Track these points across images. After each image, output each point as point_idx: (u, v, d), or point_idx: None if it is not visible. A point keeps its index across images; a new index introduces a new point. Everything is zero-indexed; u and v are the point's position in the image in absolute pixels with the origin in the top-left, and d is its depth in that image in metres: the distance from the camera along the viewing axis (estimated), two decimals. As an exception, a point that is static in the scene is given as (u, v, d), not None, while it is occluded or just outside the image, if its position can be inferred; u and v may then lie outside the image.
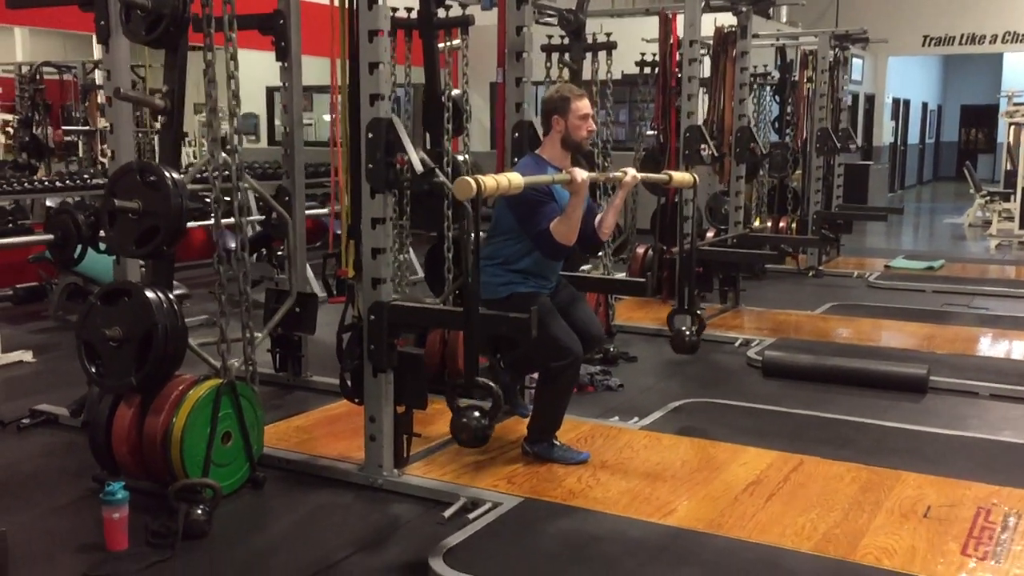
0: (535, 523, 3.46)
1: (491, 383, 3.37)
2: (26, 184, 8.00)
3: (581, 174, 3.73)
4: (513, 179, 3.41)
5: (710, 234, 8.46)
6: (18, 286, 7.30)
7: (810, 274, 9.39)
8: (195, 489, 3.51)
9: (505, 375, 4.32)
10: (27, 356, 5.92)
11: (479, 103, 7.70)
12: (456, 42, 5.09)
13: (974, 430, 4.62)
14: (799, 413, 4.86)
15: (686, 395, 5.16)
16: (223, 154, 3.92)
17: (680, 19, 6.57)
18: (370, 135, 3.65)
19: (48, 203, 8.16)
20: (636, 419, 4.69)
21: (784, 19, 18.27)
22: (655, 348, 6.29)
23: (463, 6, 5.01)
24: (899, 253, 11.00)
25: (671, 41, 6.77)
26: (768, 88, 10.59)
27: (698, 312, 4.83)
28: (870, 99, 19.10)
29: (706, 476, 3.93)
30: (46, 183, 8.24)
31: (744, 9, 7.04)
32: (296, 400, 5.08)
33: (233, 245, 8.53)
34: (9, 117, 13.35)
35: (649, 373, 5.73)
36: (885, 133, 19.97)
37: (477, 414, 3.33)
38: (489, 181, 3.27)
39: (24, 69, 13.11)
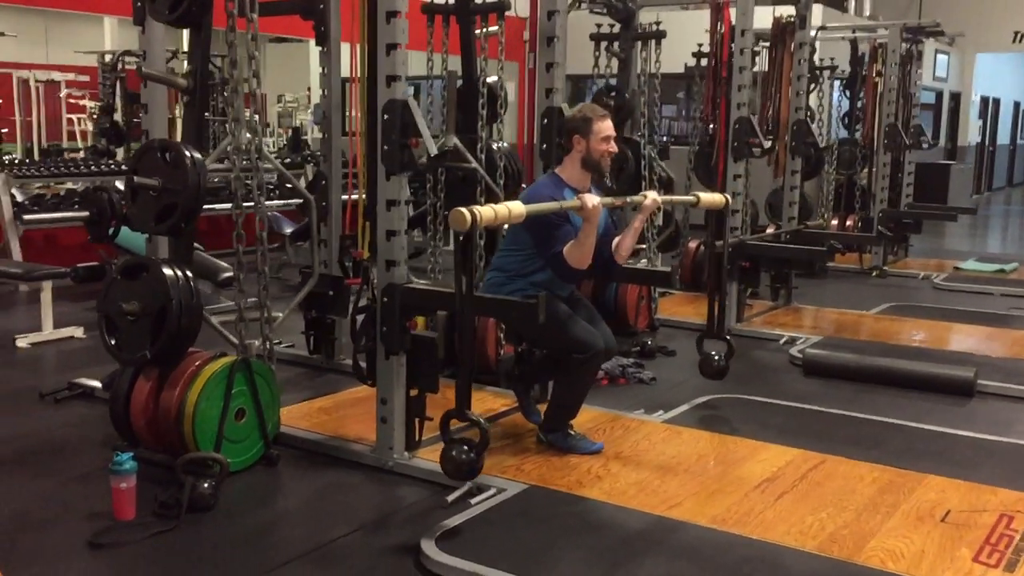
0: (535, 510, 3.42)
1: (480, 419, 3.31)
2: (92, 167, 8.24)
3: (592, 200, 3.65)
4: (514, 208, 3.34)
5: (769, 230, 8.29)
6: (79, 265, 7.51)
7: (874, 274, 9.13)
8: (204, 463, 3.56)
9: (519, 384, 4.30)
10: (78, 332, 6.10)
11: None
12: (493, 28, 5.06)
13: (1017, 436, 4.42)
14: (832, 412, 4.72)
15: (719, 391, 5.05)
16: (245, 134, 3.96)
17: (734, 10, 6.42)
18: (386, 116, 3.64)
19: (118, 185, 8.42)
20: (661, 412, 4.61)
21: (867, 12, 17.86)
22: (697, 343, 6.20)
23: (501, -8, 4.98)
24: (974, 255, 10.61)
25: (722, 31, 6.63)
26: (839, 82, 10.35)
27: (727, 337, 4.72)
28: (956, 97, 18.51)
29: (720, 471, 3.84)
30: (112, 166, 8.48)
31: (802, -1, 6.86)
32: (327, 382, 5.12)
33: (289, 230, 8.62)
34: (92, 104, 13.76)
35: (686, 368, 5.61)
36: (971, 132, 19.31)
37: (466, 447, 3.28)
38: (486, 212, 3.21)
39: (107, 58, 13.50)
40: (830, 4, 11.92)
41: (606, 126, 3.88)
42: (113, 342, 3.74)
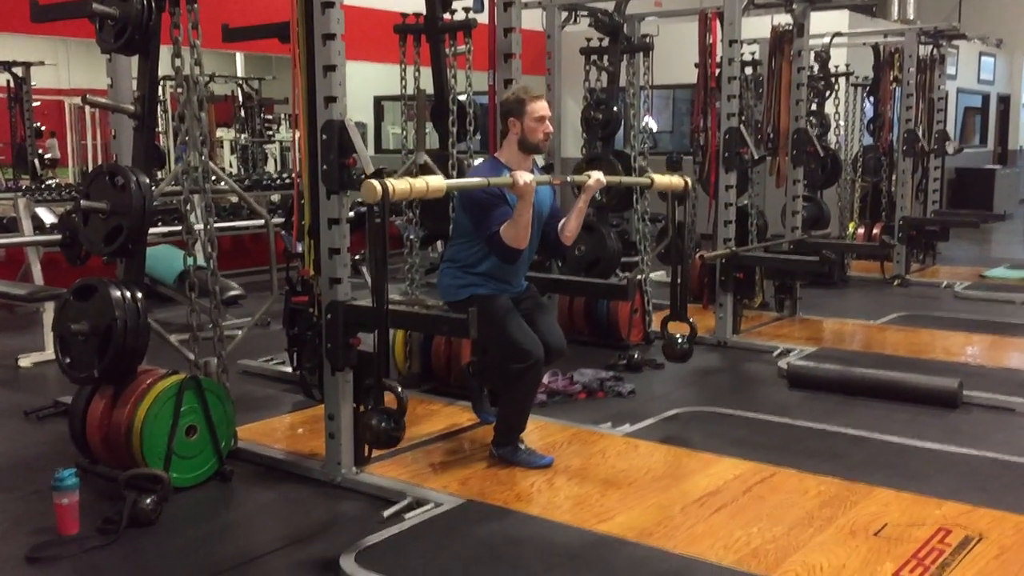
0: (464, 525, 3.43)
1: (396, 385, 3.34)
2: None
3: (523, 177, 3.66)
4: (432, 182, 3.36)
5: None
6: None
7: (895, 283, 8.93)
8: (150, 478, 3.64)
9: (473, 380, 4.31)
10: (81, 352, 6.26)
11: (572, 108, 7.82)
12: (461, 48, 5.11)
13: (986, 447, 4.29)
14: (802, 425, 4.64)
15: (695, 404, 5.01)
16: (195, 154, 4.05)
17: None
18: (324, 137, 3.71)
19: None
20: (627, 425, 4.58)
21: (911, 16, 17.53)
22: (689, 355, 6.15)
23: (466, 11, 5.03)
24: (1009, 262, 10.31)
25: (710, 41, 6.59)
26: (861, 88, 10.19)
27: (690, 320, 4.67)
28: (1005, 100, 18.03)
29: (665, 485, 3.81)
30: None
31: (796, 7, 6.77)
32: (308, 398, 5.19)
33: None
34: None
35: (670, 381, 5.57)
36: (1022, 136, 18.79)
37: (386, 416, 3.31)
38: (400, 185, 3.23)
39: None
40: (857, 10, 11.70)
41: (540, 106, 3.89)
42: (67, 361, 3.85)
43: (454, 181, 3.55)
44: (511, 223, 3.76)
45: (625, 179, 4.56)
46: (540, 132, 3.89)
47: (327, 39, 3.69)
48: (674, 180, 4.40)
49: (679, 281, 4.57)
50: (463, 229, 3.98)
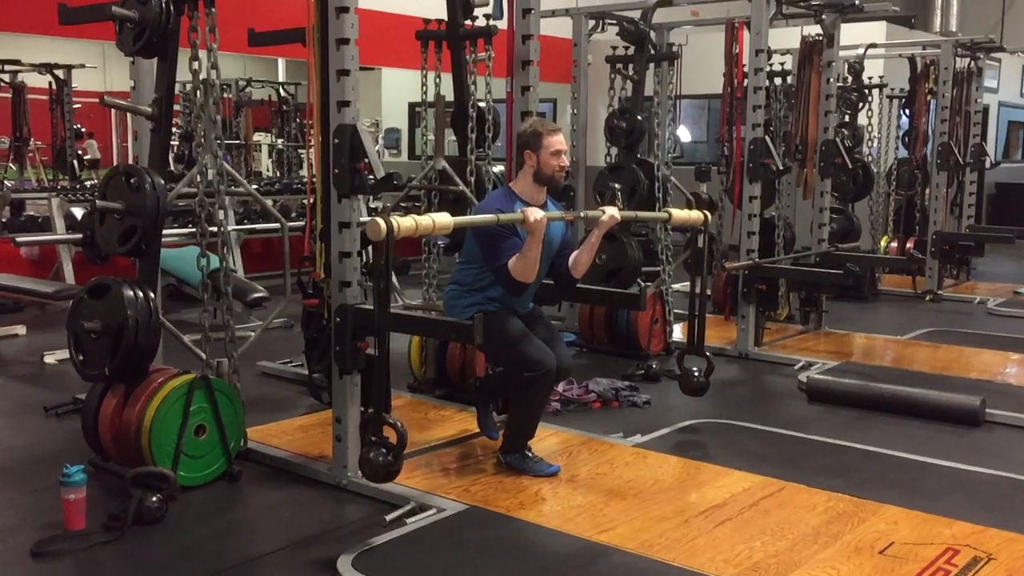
0: (463, 531, 3.42)
1: (396, 421, 3.31)
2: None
3: (534, 214, 3.65)
4: (439, 220, 3.34)
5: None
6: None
7: (927, 298, 8.79)
8: (156, 476, 3.66)
9: (481, 395, 4.30)
10: (105, 350, 6.34)
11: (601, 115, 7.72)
12: (482, 55, 5.12)
13: (1008, 468, 4.19)
14: (817, 439, 4.58)
15: (710, 415, 4.96)
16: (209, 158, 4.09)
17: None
18: (336, 141, 3.73)
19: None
20: (638, 436, 4.55)
21: (953, 28, 17.28)
22: (708, 367, 6.10)
23: (487, 18, 5.03)
24: (1050, 279, 10.11)
25: (736, 51, 6.55)
26: (897, 100, 10.06)
27: (707, 354, 4.63)
28: (1051, 114, 17.68)
29: (671, 496, 3.77)
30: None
31: (826, 18, 6.70)
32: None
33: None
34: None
35: (687, 392, 5.52)
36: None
37: (384, 450, 3.29)
38: (406, 222, 3.22)
39: (187, 87, 14.05)
40: (896, 21, 11.56)
41: (556, 140, 3.88)
42: (80, 358, 3.90)
43: (462, 218, 3.55)
44: (520, 257, 3.76)
45: (641, 214, 4.55)
46: (556, 166, 3.89)
47: (341, 43, 3.70)
48: (692, 215, 4.38)
49: (696, 314, 4.52)
50: (472, 255, 3.98)
